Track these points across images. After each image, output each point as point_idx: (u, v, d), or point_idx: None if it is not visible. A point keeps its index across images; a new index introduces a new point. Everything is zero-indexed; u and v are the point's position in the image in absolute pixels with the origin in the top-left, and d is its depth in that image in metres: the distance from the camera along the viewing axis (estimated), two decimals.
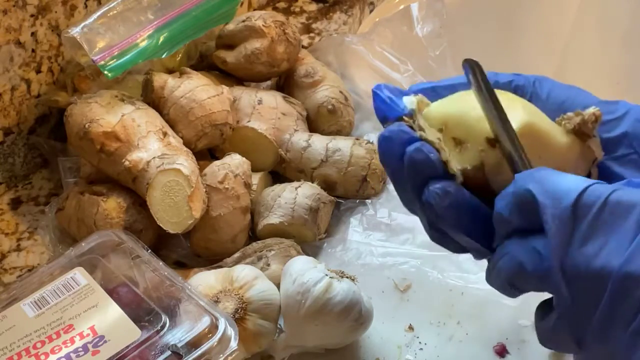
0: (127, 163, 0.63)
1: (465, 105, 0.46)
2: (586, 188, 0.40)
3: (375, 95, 0.49)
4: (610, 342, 0.39)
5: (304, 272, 0.57)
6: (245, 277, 0.58)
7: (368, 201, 0.71)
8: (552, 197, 0.40)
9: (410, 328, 0.62)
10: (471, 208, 0.45)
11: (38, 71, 0.72)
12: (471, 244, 0.46)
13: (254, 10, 0.90)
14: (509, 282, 0.43)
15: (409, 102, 0.48)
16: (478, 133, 0.45)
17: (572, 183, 0.41)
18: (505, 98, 0.47)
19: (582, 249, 0.39)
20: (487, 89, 0.46)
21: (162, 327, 0.52)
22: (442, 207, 0.44)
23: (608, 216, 0.39)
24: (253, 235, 0.68)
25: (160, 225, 0.61)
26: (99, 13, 0.68)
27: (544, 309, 0.43)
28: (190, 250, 0.66)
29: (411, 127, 0.47)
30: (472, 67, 0.47)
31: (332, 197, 0.68)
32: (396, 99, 0.48)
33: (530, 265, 0.41)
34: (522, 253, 0.41)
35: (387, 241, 0.68)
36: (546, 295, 0.43)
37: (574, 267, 0.39)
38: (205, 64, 0.79)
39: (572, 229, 0.39)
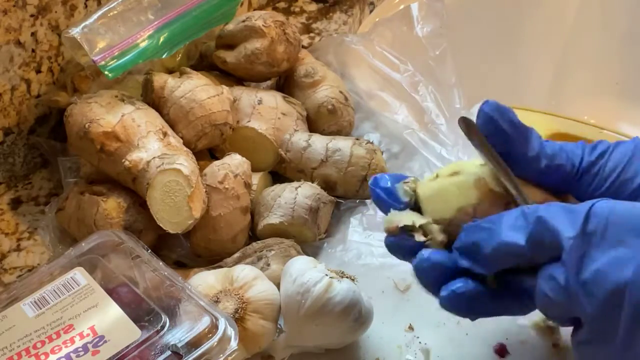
0: (127, 163, 0.63)
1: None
2: (592, 206, 0.41)
3: (371, 190, 0.53)
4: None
5: (304, 272, 0.57)
6: (245, 277, 0.58)
7: (368, 201, 0.71)
8: (561, 220, 0.42)
9: (410, 328, 0.62)
10: (489, 293, 0.48)
11: (38, 71, 0.72)
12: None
13: (254, 10, 0.90)
14: (545, 314, 0.46)
15: (403, 193, 0.52)
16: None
17: (577, 205, 0.42)
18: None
19: (596, 264, 0.40)
20: (483, 143, 0.49)
21: (162, 327, 0.52)
22: (464, 306, 0.48)
23: (616, 229, 0.40)
24: (253, 235, 0.68)
25: (160, 225, 0.61)
26: (99, 13, 0.68)
27: (577, 324, 0.44)
28: (190, 250, 0.66)
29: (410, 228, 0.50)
30: (468, 124, 0.49)
31: (332, 197, 0.68)
32: (392, 188, 0.52)
33: (552, 292, 0.42)
34: (543, 283, 0.43)
35: None
36: None
37: (591, 283, 0.40)
38: (205, 64, 0.79)
39: (584, 246, 0.41)
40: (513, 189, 0.47)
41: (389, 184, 0.52)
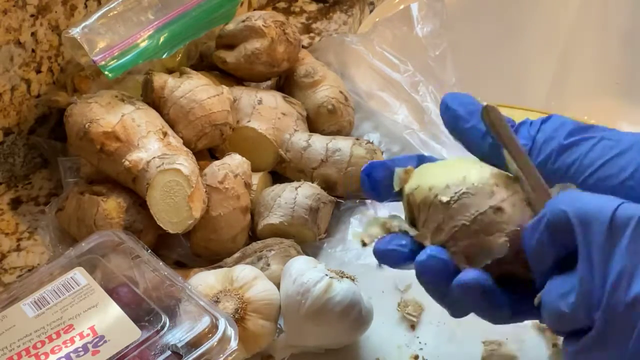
0: (127, 163, 0.63)
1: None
2: (617, 208, 0.39)
3: (363, 182, 0.51)
4: None
5: (304, 272, 0.57)
6: (245, 277, 0.58)
7: (368, 201, 0.71)
8: (585, 221, 0.39)
9: (411, 328, 0.62)
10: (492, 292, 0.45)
11: (38, 71, 0.72)
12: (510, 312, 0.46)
13: (254, 10, 0.90)
14: (556, 331, 0.43)
15: (395, 182, 0.50)
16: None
17: (603, 203, 0.40)
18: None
19: (617, 279, 0.38)
20: (504, 134, 0.47)
21: (162, 327, 0.52)
22: (473, 300, 0.46)
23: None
24: (253, 235, 0.68)
25: (160, 225, 0.61)
26: (99, 13, 0.68)
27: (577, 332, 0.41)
28: (190, 250, 0.66)
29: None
30: (488, 113, 0.48)
31: (332, 197, 0.68)
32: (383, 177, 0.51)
33: (569, 310, 0.40)
34: (560, 301, 0.41)
35: None
36: None
37: (611, 300, 0.38)
38: (205, 64, 0.79)
39: (607, 256, 0.39)
40: (536, 184, 0.45)
41: (382, 175, 0.51)
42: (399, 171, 0.50)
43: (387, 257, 0.50)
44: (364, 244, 0.68)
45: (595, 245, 0.39)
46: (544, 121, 0.48)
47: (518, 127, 0.49)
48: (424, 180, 0.48)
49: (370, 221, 0.51)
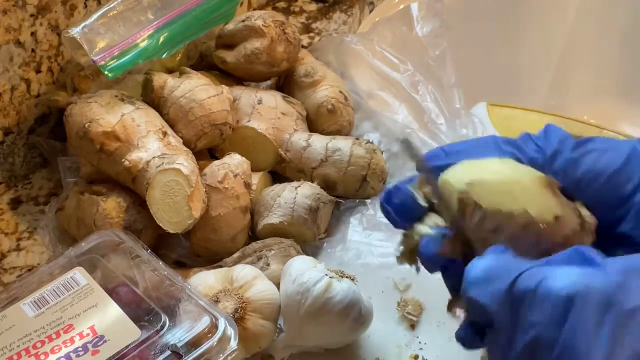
0: (127, 163, 0.63)
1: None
2: (515, 279, 0.40)
3: (387, 213, 0.50)
4: None
5: (304, 272, 0.57)
6: (245, 277, 0.58)
7: (368, 201, 0.71)
8: (490, 294, 0.41)
9: (411, 328, 0.62)
10: None
11: (38, 71, 0.72)
12: None
13: (254, 10, 0.90)
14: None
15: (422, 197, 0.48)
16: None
17: (506, 275, 0.41)
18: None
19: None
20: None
21: (162, 327, 0.52)
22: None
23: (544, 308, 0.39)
24: (253, 235, 0.68)
25: (160, 225, 0.61)
26: (99, 13, 0.68)
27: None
28: (190, 250, 0.66)
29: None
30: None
31: (332, 197, 0.68)
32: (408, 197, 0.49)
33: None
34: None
35: (387, 241, 0.68)
36: None
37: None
38: (205, 64, 0.79)
39: (513, 320, 0.40)
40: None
41: (403, 197, 0.49)
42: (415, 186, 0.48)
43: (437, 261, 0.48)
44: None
45: (501, 317, 0.41)
46: (545, 132, 0.49)
47: (522, 141, 0.49)
48: (475, 179, 0.46)
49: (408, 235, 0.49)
